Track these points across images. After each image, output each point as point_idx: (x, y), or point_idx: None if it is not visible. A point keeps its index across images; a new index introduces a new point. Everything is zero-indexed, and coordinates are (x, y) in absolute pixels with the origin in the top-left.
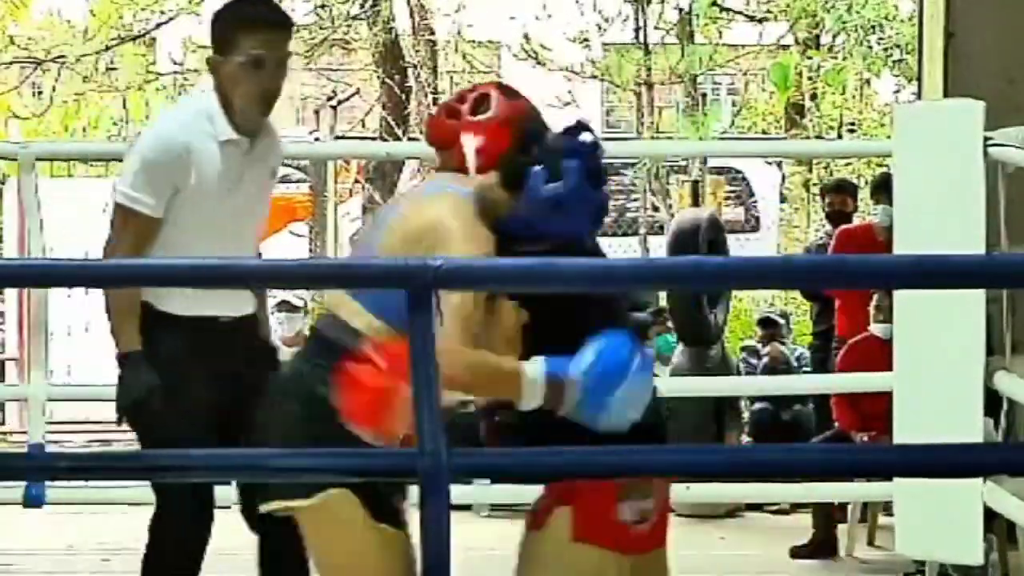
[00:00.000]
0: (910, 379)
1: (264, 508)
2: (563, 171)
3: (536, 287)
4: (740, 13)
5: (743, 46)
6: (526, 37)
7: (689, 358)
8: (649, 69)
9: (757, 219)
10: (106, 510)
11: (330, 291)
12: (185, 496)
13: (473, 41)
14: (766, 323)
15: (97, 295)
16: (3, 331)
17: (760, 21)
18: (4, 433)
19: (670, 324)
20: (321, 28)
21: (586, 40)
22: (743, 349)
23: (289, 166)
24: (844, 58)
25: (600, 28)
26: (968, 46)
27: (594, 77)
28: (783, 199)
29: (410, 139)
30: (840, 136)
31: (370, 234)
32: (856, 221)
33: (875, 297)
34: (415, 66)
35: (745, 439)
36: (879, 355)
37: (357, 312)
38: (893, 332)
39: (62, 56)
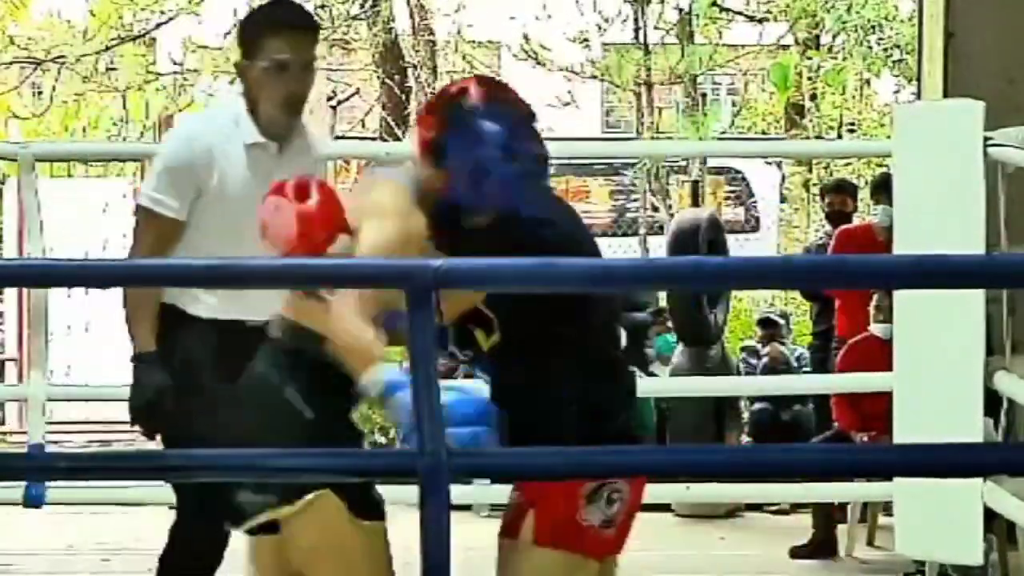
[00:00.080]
0: (910, 379)
1: (253, 522)
2: (477, 139)
3: (536, 287)
4: (740, 13)
5: (743, 46)
6: (526, 37)
7: (689, 358)
8: (649, 69)
9: (757, 219)
10: (106, 510)
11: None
12: (205, 500)
13: (473, 41)
14: (766, 323)
15: (97, 295)
16: (3, 331)
17: (760, 21)
18: (4, 433)
19: (670, 324)
20: (321, 28)
21: (586, 40)
22: (743, 349)
23: None
24: (844, 58)
25: (600, 28)
26: (968, 46)
27: (594, 77)
28: (783, 199)
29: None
30: (840, 136)
31: None
32: (856, 221)
33: (875, 297)
34: (415, 66)
35: (745, 439)
36: (879, 355)
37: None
38: (893, 332)
39: (62, 56)
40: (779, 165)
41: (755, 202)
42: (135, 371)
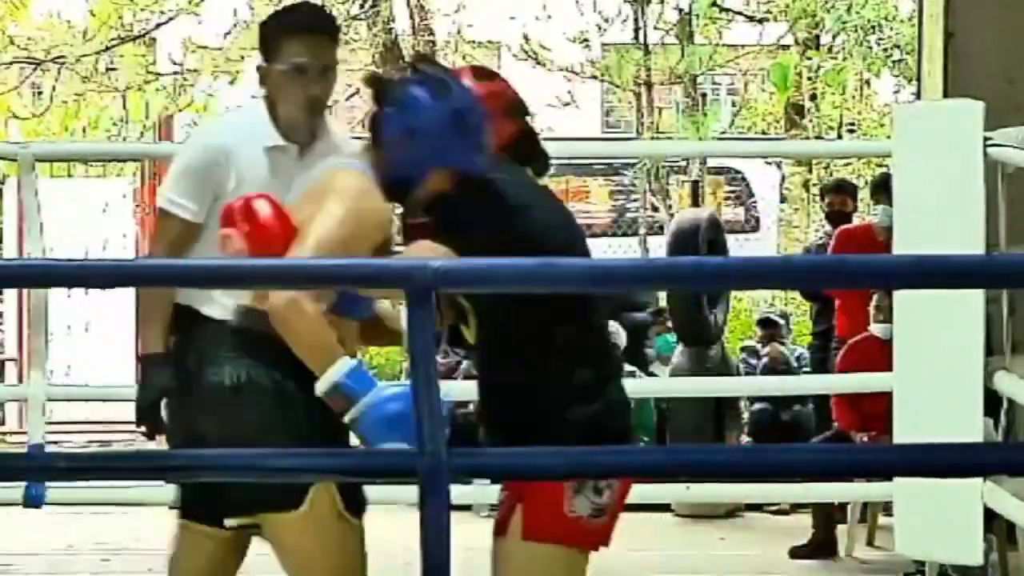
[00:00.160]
0: (910, 379)
1: (247, 520)
2: (406, 107)
3: (536, 287)
4: (740, 13)
5: (743, 46)
6: (526, 37)
7: (689, 358)
8: (649, 69)
9: (757, 219)
10: (106, 510)
11: None
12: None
13: (473, 41)
14: (766, 323)
15: (97, 295)
16: (3, 331)
17: (760, 21)
18: (4, 433)
19: (670, 324)
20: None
21: (586, 40)
22: (743, 349)
23: None
24: (844, 58)
25: (600, 28)
26: (968, 46)
27: (594, 77)
28: (783, 199)
29: None
30: (840, 136)
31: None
32: (856, 221)
33: (875, 297)
34: None
35: (745, 439)
36: (879, 355)
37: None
38: (893, 332)
39: (62, 56)
40: (779, 165)
41: (755, 202)
42: (142, 371)
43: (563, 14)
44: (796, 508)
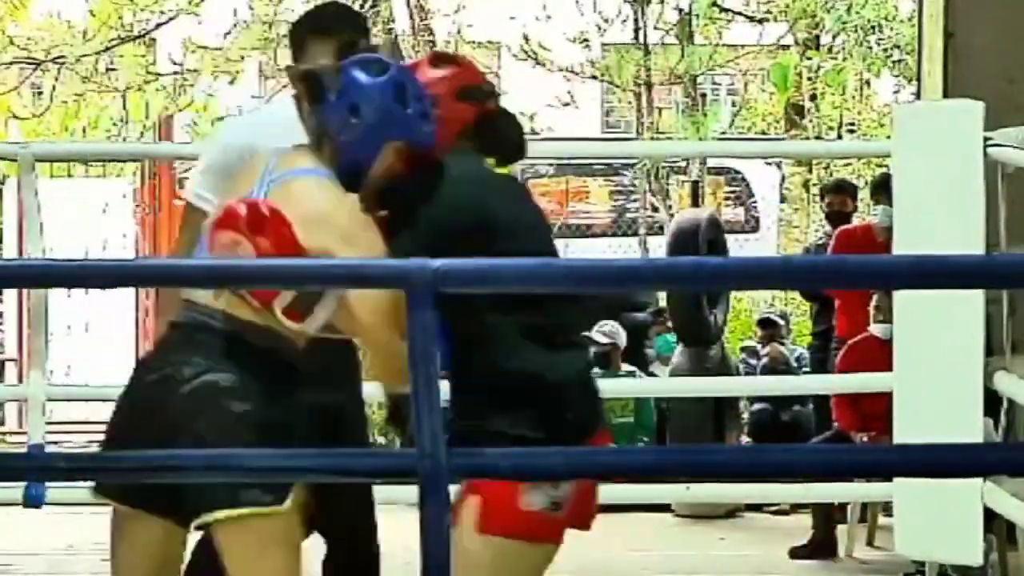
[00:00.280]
0: (910, 379)
1: (222, 515)
2: (344, 88)
3: (536, 287)
4: (740, 13)
5: (743, 46)
6: (526, 37)
7: (689, 358)
8: (649, 69)
9: (757, 219)
10: (106, 510)
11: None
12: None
13: (473, 41)
14: (766, 323)
15: (97, 295)
16: (3, 331)
17: (760, 21)
18: (4, 433)
19: (670, 324)
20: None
21: (586, 40)
22: (743, 349)
23: None
24: (844, 58)
25: (600, 28)
26: (968, 46)
27: (594, 77)
28: (783, 199)
29: None
30: (840, 136)
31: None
32: (856, 221)
33: (875, 297)
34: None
35: (745, 439)
36: (879, 355)
37: (209, 294)
38: (893, 332)
39: (62, 56)
40: (779, 165)
41: (755, 202)
42: None
43: (563, 14)
44: (796, 508)
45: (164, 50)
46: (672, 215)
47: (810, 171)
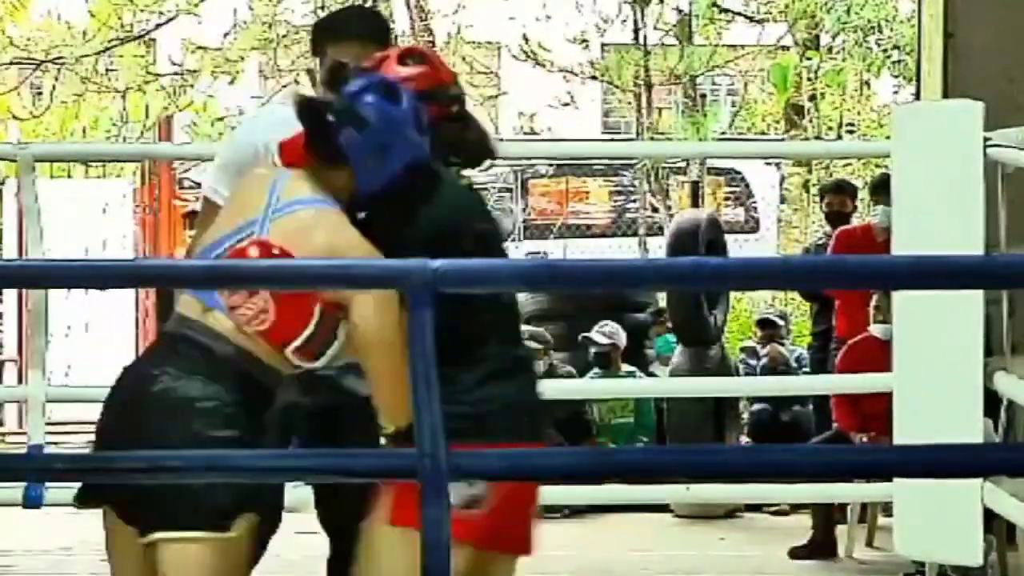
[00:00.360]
0: (910, 379)
1: (173, 535)
2: (362, 111)
3: (535, 287)
4: (739, 14)
5: (742, 47)
6: (525, 38)
7: (688, 358)
8: (648, 70)
9: (756, 220)
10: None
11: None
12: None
13: (473, 42)
14: (765, 324)
15: (97, 295)
16: (3, 331)
17: (759, 22)
18: (3, 434)
19: (670, 324)
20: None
21: (585, 41)
22: (742, 350)
23: None
24: (843, 59)
25: (599, 29)
26: (968, 46)
27: (593, 78)
28: (782, 200)
29: None
30: (839, 137)
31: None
32: (855, 222)
33: (874, 297)
34: None
35: (745, 439)
36: (878, 355)
37: (209, 315)
38: (892, 332)
39: (61, 57)
40: (778, 166)
41: (754, 203)
42: None
43: (563, 14)
44: (796, 508)
45: (164, 50)
46: (672, 215)
47: (810, 171)
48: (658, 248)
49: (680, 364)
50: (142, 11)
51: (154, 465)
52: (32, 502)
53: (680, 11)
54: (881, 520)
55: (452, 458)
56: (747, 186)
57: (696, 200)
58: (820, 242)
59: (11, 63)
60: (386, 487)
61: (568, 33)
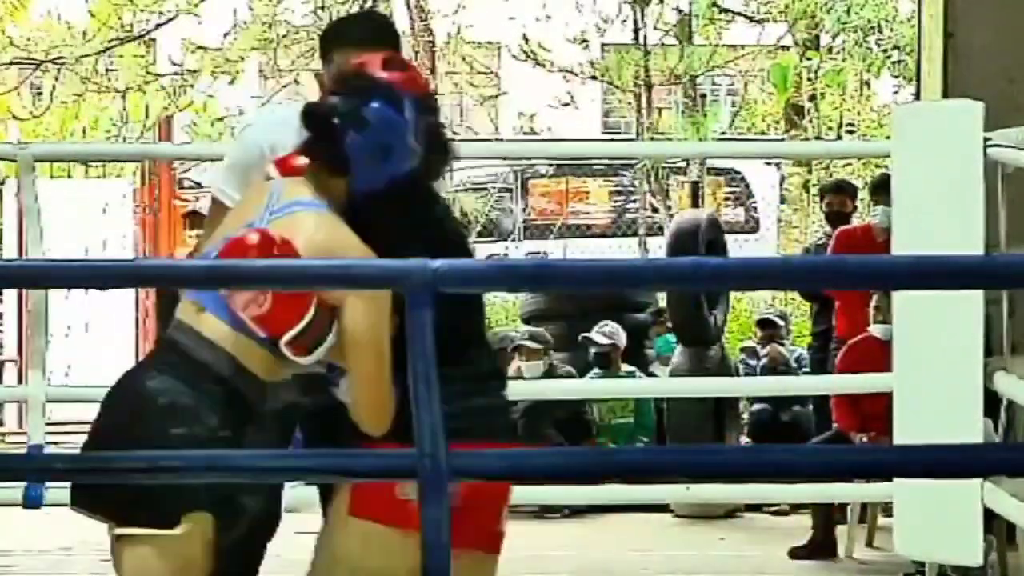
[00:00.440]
0: (910, 379)
1: (121, 531)
2: (367, 116)
3: (535, 287)
4: (739, 14)
5: (742, 47)
6: (525, 38)
7: (688, 358)
8: (648, 70)
9: (756, 220)
10: None
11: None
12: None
13: (473, 42)
14: (765, 324)
15: (97, 295)
16: (3, 331)
17: (759, 22)
18: (3, 434)
19: (670, 324)
20: (320, 29)
21: (585, 41)
22: (742, 350)
23: None
24: (843, 59)
25: (599, 29)
26: (968, 46)
27: (593, 78)
28: (782, 200)
29: None
30: (839, 137)
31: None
32: (855, 222)
33: (874, 297)
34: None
35: (745, 439)
36: (878, 355)
37: (202, 317)
38: (892, 332)
39: (61, 57)
40: (778, 166)
41: (754, 203)
42: None
43: (563, 14)
44: (796, 508)
45: (164, 50)
46: (672, 215)
47: (810, 171)
48: (658, 248)
49: (680, 364)
50: (142, 11)
51: (153, 465)
52: (32, 502)
53: (680, 11)
54: (881, 520)
55: (452, 458)
56: (747, 186)
57: (696, 200)
58: (820, 242)
59: (11, 63)
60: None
61: (568, 33)
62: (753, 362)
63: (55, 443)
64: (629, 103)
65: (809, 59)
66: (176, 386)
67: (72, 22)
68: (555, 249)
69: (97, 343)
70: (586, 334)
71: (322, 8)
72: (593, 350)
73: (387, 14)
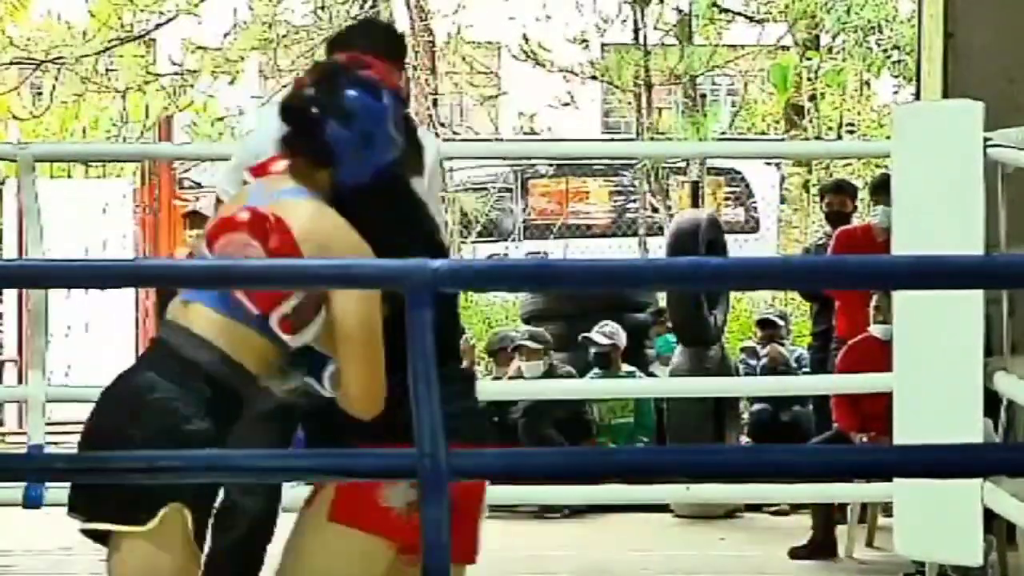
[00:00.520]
0: (910, 379)
1: (89, 526)
2: (347, 105)
3: (535, 287)
4: (739, 14)
5: (742, 47)
6: (525, 38)
7: (688, 358)
8: (648, 70)
9: (756, 220)
10: None
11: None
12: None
13: (473, 42)
14: (765, 324)
15: (97, 295)
16: (3, 331)
17: (759, 22)
18: (3, 434)
19: (670, 324)
20: (320, 29)
21: (585, 41)
22: (742, 350)
23: None
24: (844, 59)
25: (599, 29)
26: (968, 46)
27: (594, 78)
28: (782, 200)
29: None
30: (839, 137)
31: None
32: (855, 222)
33: (875, 297)
34: (414, 67)
35: (745, 439)
36: (879, 355)
37: (190, 310)
38: (893, 332)
39: (61, 57)
40: (778, 166)
41: (755, 203)
42: None
43: (563, 14)
44: (796, 508)
45: (164, 50)
46: (672, 215)
47: (810, 171)
48: (658, 248)
49: (680, 364)
50: (142, 11)
51: (153, 465)
52: (32, 502)
53: (680, 11)
54: (881, 520)
55: (452, 458)
56: (747, 186)
57: (696, 200)
58: (820, 242)
59: (11, 63)
60: (329, 482)
61: (568, 33)
62: (753, 362)
63: (55, 443)
64: (629, 103)
65: (809, 59)
66: (166, 385)
67: (72, 22)
68: (555, 249)
69: (97, 343)
70: (586, 334)
71: (322, 8)
72: (593, 350)
73: (392, 23)
